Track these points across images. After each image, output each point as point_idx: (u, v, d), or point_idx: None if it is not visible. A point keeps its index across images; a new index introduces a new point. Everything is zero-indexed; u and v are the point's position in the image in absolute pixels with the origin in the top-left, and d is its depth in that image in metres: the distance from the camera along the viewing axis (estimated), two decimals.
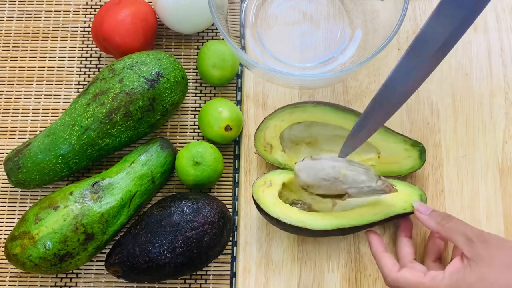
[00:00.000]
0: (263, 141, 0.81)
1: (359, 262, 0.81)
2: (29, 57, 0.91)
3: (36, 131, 0.87)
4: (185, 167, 0.80)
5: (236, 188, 0.84)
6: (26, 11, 0.93)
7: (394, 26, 0.78)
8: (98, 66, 0.90)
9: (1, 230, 0.84)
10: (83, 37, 0.91)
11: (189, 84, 0.89)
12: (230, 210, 0.83)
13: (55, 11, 0.93)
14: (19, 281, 0.82)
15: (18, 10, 0.93)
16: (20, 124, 0.88)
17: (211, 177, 0.81)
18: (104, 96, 0.79)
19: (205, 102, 0.88)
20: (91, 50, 0.91)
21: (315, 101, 0.81)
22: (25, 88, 0.89)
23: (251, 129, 0.86)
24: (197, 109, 0.88)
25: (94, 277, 0.82)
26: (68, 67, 0.90)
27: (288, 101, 0.86)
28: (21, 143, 0.86)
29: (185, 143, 0.87)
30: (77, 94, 0.87)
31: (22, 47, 0.91)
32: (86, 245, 0.77)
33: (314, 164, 0.76)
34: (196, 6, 0.85)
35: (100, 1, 0.93)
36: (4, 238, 0.83)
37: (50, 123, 0.87)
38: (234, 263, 0.82)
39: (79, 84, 0.89)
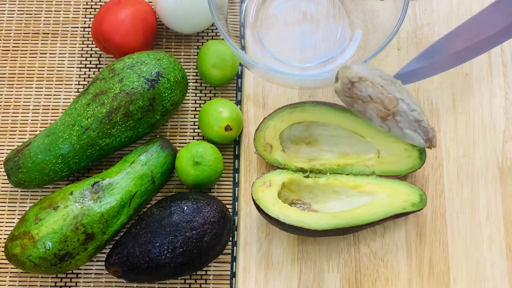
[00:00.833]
0: (263, 141, 0.81)
1: (359, 262, 0.81)
2: (29, 57, 0.91)
3: (36, 131, 0.87)
4: (185, 167, 0.80)
5: (236, 188, 0.84)
6: (26, 11, 0.93)
7: (394, 26, 0.78)
8: (98, 66, 0.90)
9: (1, 230, 0.84)
10: (83, 37, 0.91)
11: (189, 84, 0.89)
12: (230, 210, 0.83)
13: (55, 11, 0.93)
14: (19, 281, 0.82)
15: (18, 10, 0.93)
16: (20, 124, 0.88)
17: (211, 177, 0.81)
18: (104, 96, 0.79)
19: (205, 102, 0.88)
20: (91, 50, 0.91)
21: (315, 101, 0.81)
22: (25, 88, 0.89)
23: (251, 129, 0.86)
24: (197, 109, 0.88)
25: (94, 277, 0.82)
26: (68, 67, 0.90)
27: (288, 101, 0.86)
28: (21, 143, 0.86)
29: (185, 143, 0.87)
30: (77, 94, 0.87)
31: (22, 47, 0.91)
32: (86, 245, 0.77)
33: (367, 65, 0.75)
34: (196, 6, 0.85)
35: (100, 1, 0.93)
36: (4, 238, 0.83)
37: (50, 123, 0.87)
38: (234, 263, 0.82)
39: (79, 84, 0.89)
